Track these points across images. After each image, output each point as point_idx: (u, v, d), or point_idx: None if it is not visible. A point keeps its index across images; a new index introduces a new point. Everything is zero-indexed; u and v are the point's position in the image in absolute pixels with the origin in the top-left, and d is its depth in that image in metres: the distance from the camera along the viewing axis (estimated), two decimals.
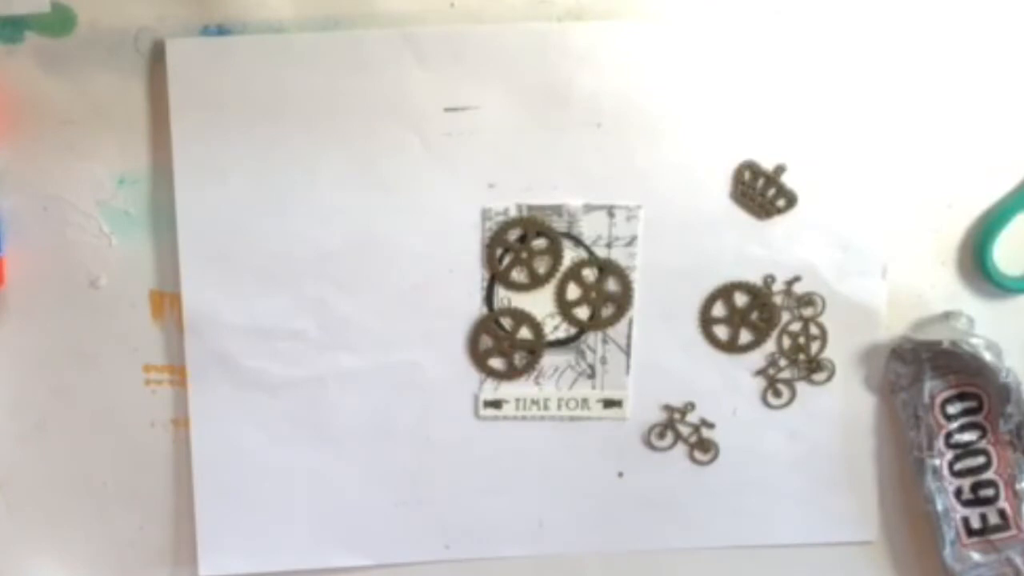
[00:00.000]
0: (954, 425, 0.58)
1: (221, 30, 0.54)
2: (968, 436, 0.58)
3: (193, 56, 0.54)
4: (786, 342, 0.59)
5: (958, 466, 0.58)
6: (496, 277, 0.57)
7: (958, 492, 0.58)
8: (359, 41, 0.54)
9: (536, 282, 0.57)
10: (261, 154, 0.55)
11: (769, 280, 0.58)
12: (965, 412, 0.58)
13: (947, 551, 0.58)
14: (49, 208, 0.56)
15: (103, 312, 0.57)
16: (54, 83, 0.54)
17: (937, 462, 0.58)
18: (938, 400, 0.58)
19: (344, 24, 0.54)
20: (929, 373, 0.57)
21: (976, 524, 0.58)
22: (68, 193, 0.56)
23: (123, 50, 0.54)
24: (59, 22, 0.53)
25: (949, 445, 0.58)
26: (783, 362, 0.59)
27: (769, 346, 0.59)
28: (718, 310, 0.58)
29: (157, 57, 0.54)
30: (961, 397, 0.58)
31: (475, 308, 0.58)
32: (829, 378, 0.59)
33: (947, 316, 0.58)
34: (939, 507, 0.58)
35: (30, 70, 0.54)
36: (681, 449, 0.60)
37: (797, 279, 0.58)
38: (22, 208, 0.56)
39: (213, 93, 0.54)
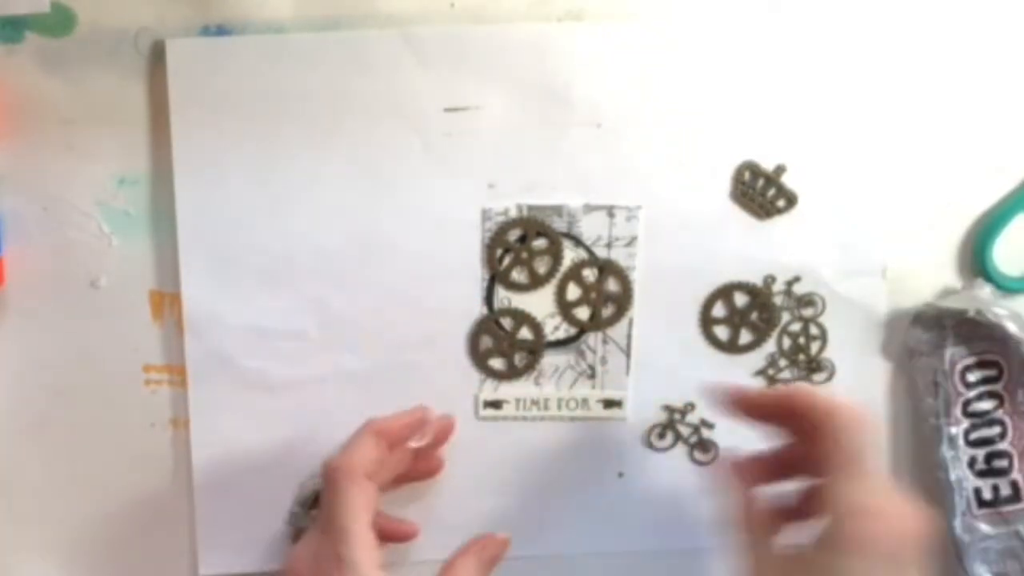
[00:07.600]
0: (972, 393, 0.58)
1: (221, 30, 0.54)
2: (985, 405, 0.58)
3: (193, 56, 0.54)
4: (786, 342, 0.59)
5: (974, 436, 0.58)
6: (496, 277, 0.57)
7: (972, 462, 0.58)
8: (359, 41, 0.54)
9: (536, 282, 0.57)
10: (261, 154, 0.55)
11: (769, 280, 0.58)
12: (984, 381, 0.58)
13: (956, 521, 0.58)
14: (49, 208, 0.56)
15: (103, 312, 0.57)
16: (54, 83, 0.54)
17: (954, 430, 0.58)
18: (958, 368, 0.57)
19: (344, 24, 0.54)
20: (951, 340, 0.57)
21: (988, 495, 0.58)
22: (68, 193, 0.56)
23: (123, 50, 0.54)
24: (59, 22, 0.53)
25: (966, 414, 0.58)
26: (783, 362, 0.59)
27: (769, 346, 0.59)
28: (718, 310, 0.58)
29: (157, 57, 0.54)
30: (981, 366, 0.58)
31: (475, 308, 0.58)
32: (829, 378, 0.59)
33: (971, 285, 0.57)
34: (952, 476, 0.57)
35: (30, 70, 0.54)
36: (681, 449, 0.60)
37: (797, 279, 0.58)
38: (22, 208, 0.56)
39: (213, 93, 0.54)
